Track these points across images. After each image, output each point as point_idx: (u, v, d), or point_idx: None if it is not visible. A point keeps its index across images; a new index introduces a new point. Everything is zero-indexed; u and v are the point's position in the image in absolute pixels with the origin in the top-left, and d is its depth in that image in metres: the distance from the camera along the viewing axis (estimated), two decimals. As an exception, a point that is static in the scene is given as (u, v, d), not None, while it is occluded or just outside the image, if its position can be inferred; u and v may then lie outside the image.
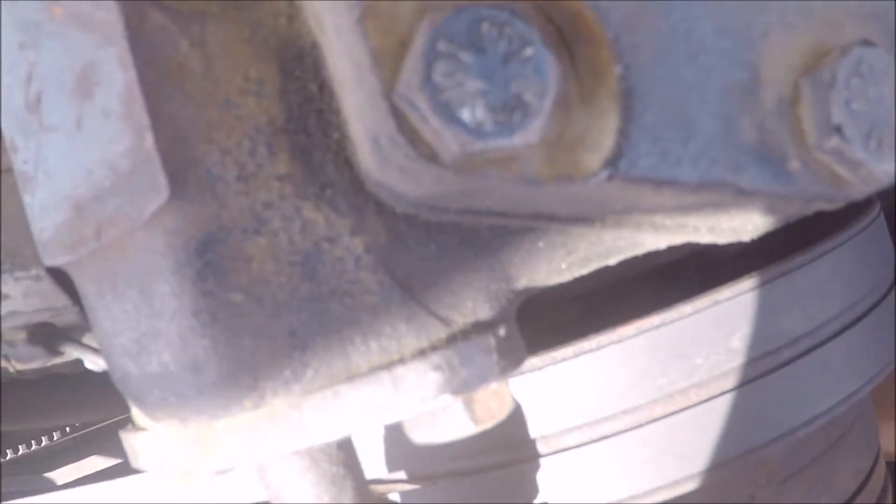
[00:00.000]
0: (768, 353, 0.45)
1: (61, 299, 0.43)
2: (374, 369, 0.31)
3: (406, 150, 0.25)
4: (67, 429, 0.93)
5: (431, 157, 0.25)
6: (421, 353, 0.31)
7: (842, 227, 0.50)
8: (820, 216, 0.55)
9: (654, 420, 0.43)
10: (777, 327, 0.45)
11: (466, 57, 0.24)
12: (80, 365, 0.56)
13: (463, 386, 0.31)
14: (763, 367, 0.45)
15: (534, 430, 0.43)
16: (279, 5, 0.32)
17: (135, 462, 0.38)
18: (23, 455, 0.88)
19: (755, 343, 0.44)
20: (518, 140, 0.24)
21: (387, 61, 0.25)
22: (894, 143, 0.28)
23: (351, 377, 0.31)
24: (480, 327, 0.32)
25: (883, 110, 0.28)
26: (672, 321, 0.43)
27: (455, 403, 0.31)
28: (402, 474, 0.46)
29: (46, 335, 0.43)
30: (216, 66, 0.31)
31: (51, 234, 0.33)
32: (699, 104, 0.27)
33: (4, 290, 0.39)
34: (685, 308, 0.43)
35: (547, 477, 0.44)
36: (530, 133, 0.24)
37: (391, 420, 0.31)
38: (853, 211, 0.53)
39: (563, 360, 0.42)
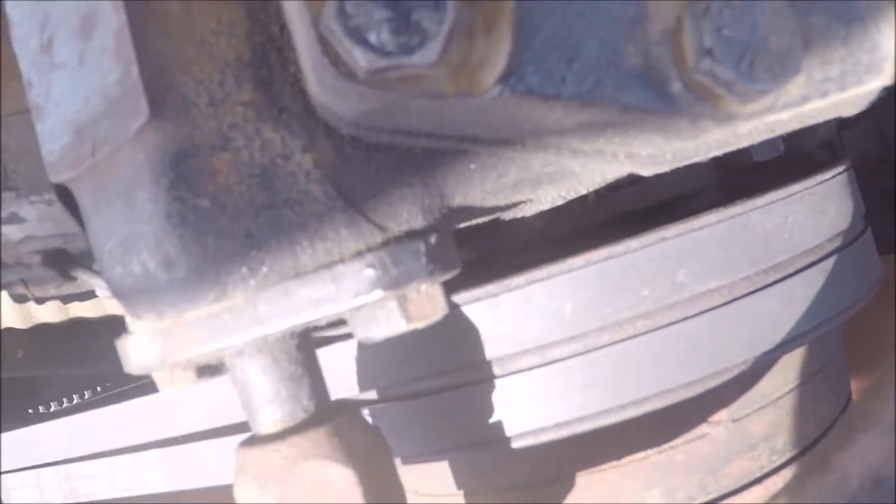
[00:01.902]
0: (716, 289, 0.51)
1: (72, 225, 0.52)
2: (319, 268, 0.39)
3: (331, 70, 0.33)
4: (98, 388, 1.04)
5: (350, 75, 0.33)
6: (358, 255, 0.38)
7: (801, 179, 0.56)
8: (786, 170, 0.61)
9: (601, 347, 0.50)
10: (726, 264, 0.51)
11: (372, -12, 0.31)
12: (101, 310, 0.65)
13: (393, 283, 0.38)
14: (711, 302, 0.51)
15: (490, 353, 0.50)
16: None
17: (126, 367, 0.46)
18: (56, 410, 0.98)
19: (702, 278, 0.50)
20: (417, 58, 0.31)
21: (315, -2, 0.33)
22: (768, 65, 0.34)
23: (299, 275, 0.39)
24: (413, 235, 0.39)
25: (756, 37, 0.35)
26: (620, 254, 0.49)
27: (390, 302, 0.39)
28: (371, 395, 0.54)
29: (59, 260, 0.52)
30: (195, 12, 0.39)
31: (56, 156, 0.42)
32: (586, 32, 0.34)
33: (21, 213, 0.49)
34: (632, 243, 0.49)
35: (502, 397, 0.51)
36: (428, 53, 0.31)
37: (333, 312, 0.39)
38: (816, 166, 0.59)
39: (517, 287, 0.49)
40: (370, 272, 0.38)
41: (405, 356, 0.52)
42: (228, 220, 0.38)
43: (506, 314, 0.50)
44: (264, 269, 0.39)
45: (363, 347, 0.53)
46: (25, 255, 0.51)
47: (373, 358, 0.53)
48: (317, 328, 0.42)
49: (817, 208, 0.56)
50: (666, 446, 0.55)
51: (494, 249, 0.59)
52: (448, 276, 0.40)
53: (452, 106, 0.34)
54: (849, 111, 0.48)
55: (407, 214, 0.39)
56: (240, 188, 0.38)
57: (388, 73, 0.32)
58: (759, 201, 0.52)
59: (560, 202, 0.54)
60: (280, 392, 0.43)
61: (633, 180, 0.54)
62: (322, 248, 0.39)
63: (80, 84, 0.40)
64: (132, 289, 0.41)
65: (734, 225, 0.51)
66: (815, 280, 0.54)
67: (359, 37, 0.31)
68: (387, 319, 0.39)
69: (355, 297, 0.38)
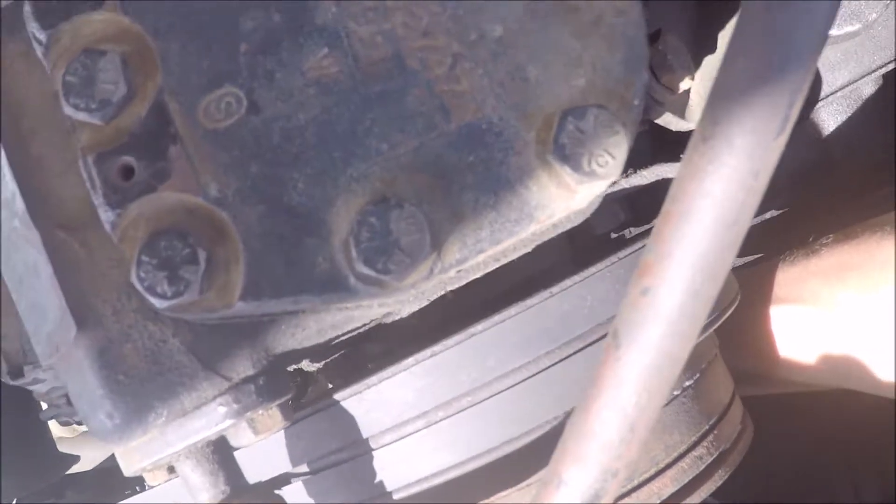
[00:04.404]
0: (522, 366, 0.71)
1: (78, 377, 0.81)
2: (195, 408, 0.64)
3: (151, 306, 0.58)
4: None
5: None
6: (214, 398, 0.63)
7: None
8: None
9: (438, 421, 0.72)
10: (527, 345, 0.71)
11: (154, 261, 0.56)
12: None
13: (235, 414, 0.63)
14: (518, 377, 0.72)
15: (364, 433, 0.74)
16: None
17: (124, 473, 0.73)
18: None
19: (508, 360, 0.71)
20: (186, 297, 0.56)
21: (131, 266, 0.58)
22: (399, 259, 0.56)
23: (185, 413, 0.64)
24: (247, 379, 0.63)
25: (389, 241, 0.57)
26: (440, 352, 0.71)
27: (242, 423, 0.64)
28: (302, 468, 0.78)
29: (79, 399, 0.81)
30: (95, 255, 0.65)
31: (40, 350, 0.69)
32: (290, 254, 0.57)
33: (40, 376, 0.77)
34: (448, 342, 0.71)
35: (378, 463, 0.74)
36: (192, 293, 0.56)
37: (207, 436, 0.64)
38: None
39: (373, 384, 0.72)
40: (222, 409, 0.63)
41: (314, 439, 0.76)
42: (138, 386, 0.64)
43: (369, 404, 0.73)
44: (165, 413, 0.64)
45: (291, 437, 0.78)
46: (55, 399, 0.80)
47: (297, 443, 0.78)
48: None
49: (620, 280, 0.75)
50: (523, 485, 0.75)
51: (392, 343, 0.83)
52: (278, 402, 0.64)
53: (222, 313, 0.58)
54: (570, 225, 0.68)
55: (242, 367, 0.64)
56: (141, 365, 0.64)
57: (177, 307, 0.57)
58: (555, 289, 0.72)
59: (425, 303, 0.76)
60: (204, 482, 0.68)
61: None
62: (195, 395, 0.64)
63: (41, 307, 0.67)
64: (98, 432, 0.68)
65: (532, 313, 0.72)
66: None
67: (151, 290, 0.56)
68: (244, 434, 0.64)
69: (216, 425, 0.63)
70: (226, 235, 0.58)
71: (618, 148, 0.58)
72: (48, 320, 0.67)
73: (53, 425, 1.03)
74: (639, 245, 0.77)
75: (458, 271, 0.61)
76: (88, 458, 1.10)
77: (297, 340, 0.65)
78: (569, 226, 0.67)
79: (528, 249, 0.69)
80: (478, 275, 0.67)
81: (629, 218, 0.86)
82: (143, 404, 0.64)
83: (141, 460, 0.67)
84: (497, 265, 0.66)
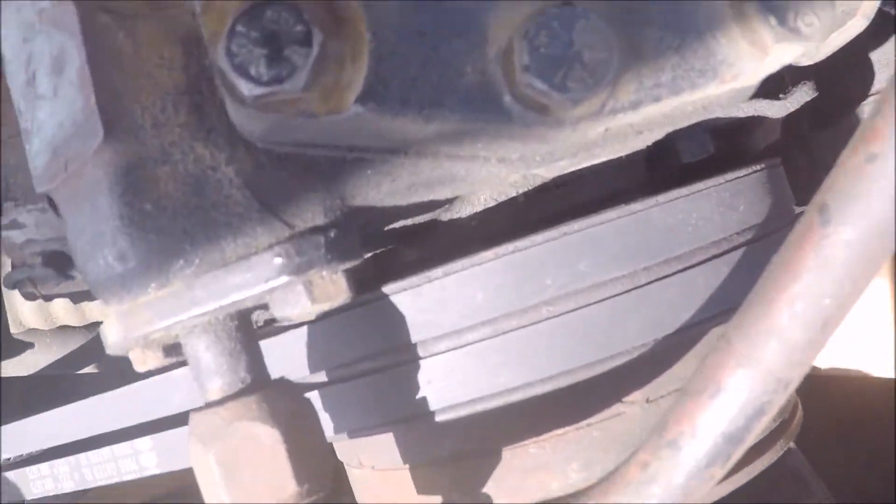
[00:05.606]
0: (616, 278, 0.60)
1: (64, 230, 0.65)
2: (239, 259, 0.50)
3: (229, 97, 0.45)
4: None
5: (242, 101, 0.44)
6: (270, 247, 0.49)
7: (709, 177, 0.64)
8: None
9: (509, 331, 0.60)
10: (626, 256, 0.60)
11: (254, 34, 0.43)
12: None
13: (296, 269, 0.49)
14: (611, 290, 0.60)
15: (414, 337, 0.61)
16: (190, 5, 0.52)
17: (106, 349, 0.58)
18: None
19: (602, 269, 0.60)
20: (288, 86, 0.43)
21: (216, 40, 0.44)
22: (580, 76, 0.44)
23: (225, 264, 0.50)
24: (316, 230, 0.50)
25: (570, 52, 0.45)
26: (525, 248, 0.59)
27: (298, 286, 0.50)
28: (321, 377, 0.64)
29: (57, 260, 0.65)
30: (142, 50, 0.51)
31: (40, 171, 0.54)
32: (430, 55, 0.44)
33: (21, 219, 0.61)
34: (536, 237, 0.59)
35: (425, 376, 0.61)
36: (297, 81, 0.43)
37: (251, 295, 0.50)
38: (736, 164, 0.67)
39: (436, 278, 0.60)
40: (278, 260, 0.49)
41: (345, 341, 0.63)
42: (168, 221, 0.50)
43: (427, 303, 0.60)
44: (197, 261, 0.50)
45: (313, 336, 0.64)
46: (29, 257, 0.64)
47: (321, 343, 0.64)
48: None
49: (725, 204, 0.65)
50: (583, 423, 0.64)
51: (436, 249, 0.70)
52: (347, 264, 0.51)
53: (325, 122, 0.45)
54: (719, 111, 0.57)
55: (311, 213, 0.50)
56: (177, 194, 0.50)
57: (269, 98, 0.43)
58: (661, 198, 0.61)
59: (491, 203, 0.64)
60: (221, 365, 0.54)
61: (560, 182, 0.64)
62: (242, 242, 0.50)
63: (55, 112, 0.53)
64: (98, 279, 0.53)
65: (635, 220, 0.61)
66: (719, 270, 0.63)
67: (242, 70, 0.43)
68: (296, 301, 0.51)
69: (266, 281, 0.49)
70: (347, 24, 0.45)
71: (824, 12, 0.49)
72: (65, 126, 0.52)
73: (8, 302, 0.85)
74: (745, 171, 0.67)
75: (607, 130, 0.49)
76: (29, 362, 0.93)
77: (382, 194, 0.52)
78: (719, 112, 0.56)
79: (660, 136, 0.58)
80: (601, 159, 0.56)
81: (717, 152, 0.76)
82: (169, 245, 0.50)
83: (149, 323, 0.52)
84: (634, 143, 0.55)
